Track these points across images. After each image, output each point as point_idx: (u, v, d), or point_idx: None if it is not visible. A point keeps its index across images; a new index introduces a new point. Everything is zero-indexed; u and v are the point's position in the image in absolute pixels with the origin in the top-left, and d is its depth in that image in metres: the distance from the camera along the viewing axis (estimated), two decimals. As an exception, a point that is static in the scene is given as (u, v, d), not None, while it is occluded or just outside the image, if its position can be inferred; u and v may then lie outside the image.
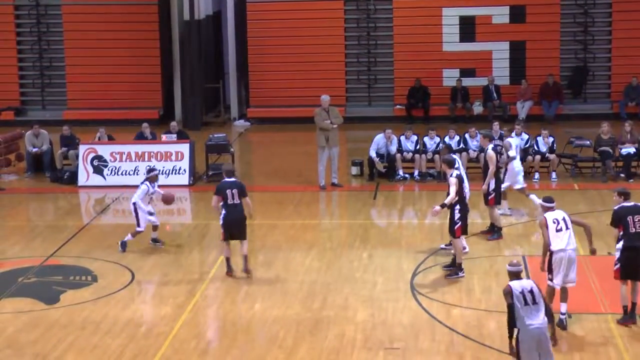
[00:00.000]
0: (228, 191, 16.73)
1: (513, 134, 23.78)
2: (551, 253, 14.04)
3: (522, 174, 20.51)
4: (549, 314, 11.82)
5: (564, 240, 14.04)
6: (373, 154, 23.74)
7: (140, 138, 24.86)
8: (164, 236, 20.19)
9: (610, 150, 23.48)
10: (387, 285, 16.56)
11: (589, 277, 16.39)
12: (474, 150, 23.73)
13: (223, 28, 33.07)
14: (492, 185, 18.65)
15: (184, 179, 23.97)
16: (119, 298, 16.20)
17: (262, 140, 30.24)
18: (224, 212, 16.75)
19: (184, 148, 24.19)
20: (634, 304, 14.20)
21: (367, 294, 16.10)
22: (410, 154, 23.95)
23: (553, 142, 23.68)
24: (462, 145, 23.84)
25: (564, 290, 14.17)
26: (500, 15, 31.19)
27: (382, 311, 15.30)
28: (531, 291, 11.57)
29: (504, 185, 19.61)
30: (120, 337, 14.48)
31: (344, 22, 31.81)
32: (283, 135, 30.25)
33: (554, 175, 23.54)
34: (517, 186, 20.26)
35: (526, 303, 11.53)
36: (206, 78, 31.95)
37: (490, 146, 18.83)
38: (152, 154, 24.11)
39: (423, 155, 23.87)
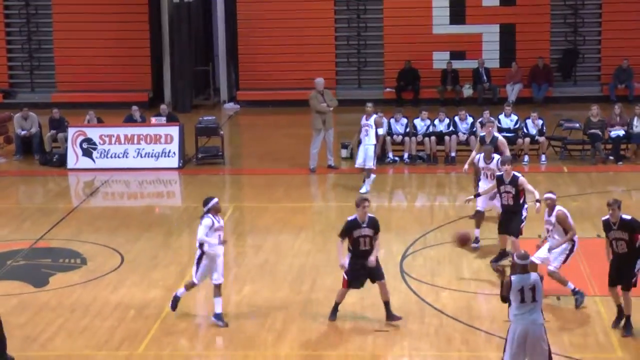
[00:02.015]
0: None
1: (503, 115, 23.88)
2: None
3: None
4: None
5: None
6: (363, 136, 23.72)
7: (130, 121, 24.80)
8: (154, 219, 20.20)
9: (600, 133, 23.51)
10: (376, 268, 16.56)
11: (578, 260, 16.43)
12: (464, 133, 23.74)
13: (213, 10, 32.94)
14: None
15: (174, 161, 23.93)
16: (108, 281, 16.19)
17: (252, 123, 30.21)
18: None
19: (174, 131, 24.14)
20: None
21: (356, 277, 16.10)
22: (400, 136, 23.95)
23: (542, 125, 23.70)
24: (451, 128, 23.83)
25: None
26: (491, -3, 31.18)
27: (371, 294, 15.28)
28: (533, 287, 11.19)
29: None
30: (110, 320, 14.48)
31: (333, 4, 31.72)
32: (273, 118, 30.21)
33: (543, 157, 23.58)
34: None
35: (523, 300, 11.18)
36: (196, 61, 31.87)
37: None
38: (141, 136, 24.07)
39: (413, 138, 23.86)
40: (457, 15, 31.22)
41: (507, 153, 18.07)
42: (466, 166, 18.83)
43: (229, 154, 25.09)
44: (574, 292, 14.53)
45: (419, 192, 22.08)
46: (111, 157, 24.05)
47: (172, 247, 17.97)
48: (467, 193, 20.90)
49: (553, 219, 14.48)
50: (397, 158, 23.84)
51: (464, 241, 16.76)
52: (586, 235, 17.64)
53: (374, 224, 13.99)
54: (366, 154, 20.61)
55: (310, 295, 15.35)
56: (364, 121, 20.86)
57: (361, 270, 13.92)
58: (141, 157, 23.96)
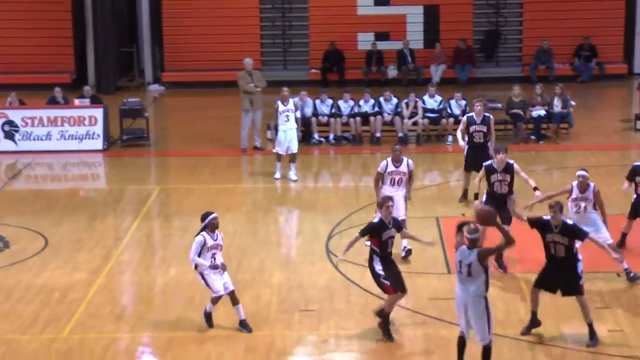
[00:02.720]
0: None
1: (427, 96, 24.10)
2: None
3: None
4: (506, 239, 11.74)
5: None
6: (289, 117, 23.74)
7: (53, 103, 24.49)
8: (78, 201, 20.02)
9: (522, 113, 23.86)
10: (302, 248, 16.68)
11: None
12: (389, 114, 23.90)
13: (136, -10, 32.65)
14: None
15: (98, 143, 23.71)
16: (32, 264, 16.03)
17: (177, 105, 30.03)
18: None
19: (98, 113, 23.91)
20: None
21: (283, 257, 16.21)
22: (326, 117, 24.03)
23: (466, 105, 23.95)
24: (376, 108, 23.98)
25: None
26: (414, -22, 31.37)
27: (297, 274, 15.42)
28: (469, 264, 11.47)
29: None
30: (34, 303, 14.36)
31: (258, -16, 31.67)
32: (198, 99, 30.06)
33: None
34: None
35: (460, 271, 11.58)
36: (120, 42, 31.54)
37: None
38: (64, 118, 23.79)
39: (338, 119, 23.96)
40: (382, -4, 31.40)
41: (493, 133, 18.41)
42: (461, 142, 18.76)
43: (155, 135, 24.94)
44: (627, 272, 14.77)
45: (344, 173, 22.19)
46: (34, 139, 23.74)
47: (97, 230, 17.83)
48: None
49: (590, 195, 14.69)
50: (322, 139, 23.93)
51: (485, 219, 12.18)
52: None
53: (397, 225, 13.28)
54: (291, 139, 20.52)
55: (237, 276, 15.33)
56: (282, 107, 20.38)
57: (398, 271, 13.25)
58: (65, 139, 23.71)
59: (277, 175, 20.63)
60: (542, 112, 23.86)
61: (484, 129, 18.54)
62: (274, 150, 20.63)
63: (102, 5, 30.43)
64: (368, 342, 13.02)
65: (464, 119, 19.04)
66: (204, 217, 13.58)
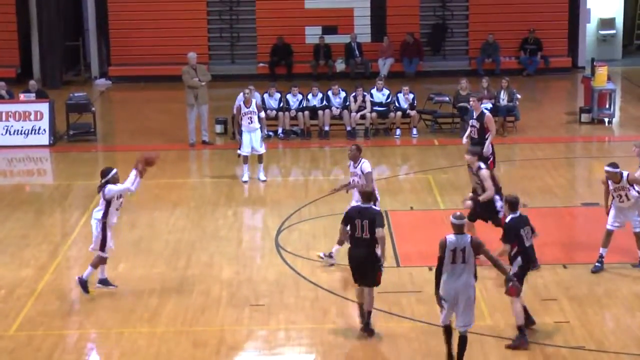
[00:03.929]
0: (357, 221, 12.95)
1: (375, 90, 24.18)
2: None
3: None
4: (495, 264, 11.70)
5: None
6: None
7: (-3, 98, 24.22)
8: (24, 197, 19.82)
9: (469, 106, 23.96)
10: (252, 243, 16.69)
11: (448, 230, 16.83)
12: (337, 108, 23.94)
13: (82, -16, 32.36)
14: (491, 149, 17.97)
15: (44, 139, 23.48)
16: (-22, 261, 15.86)
17: (124, 99, 29.83)
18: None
19: (44, 107, 23.68)
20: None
21: (232, 252, 16.18)
22: (274, 111, 24.01)
23: (413, 99, 24.08)
24: (324, 102, 24.00)
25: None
26: (361, -29, 31.45)
27: (247, 268, 15.41)
28: (464, 249, 11.53)
29: None
30: (-20, 301, 14.21)
31: (205, -22, 31.54)
32: (145, 93, 29.89)
33: (414, 131, 23.97)
34: None
35: (454, 261, 11.54)
36: (65, 35, 31.23)
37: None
38: (9, 113, 23.52)
39: (286, 113, 23.95)
40: (329, -10, 31.43)
41: (493, 130, 17.94)
42: (464, 139, 18.42)
43: (102, 130, 24.77)
44: None
45: (293, 167, 22.21)
46: (-22, 134, 23.47)
47: (44, 226, 17.67)
48: (340, 167, 21.22)
49: (625, 183, 14.64)
50: (271, 133, 23.87)
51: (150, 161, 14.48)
52: (457, 207, 18.09)
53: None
54: (255, 140, 19.96)
55: (186, 271, 15.34)
56: (245, 109, 19.82)
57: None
58: (10, 134, 23.44)
59: (245, 178, 20.18)
60: (489, 106, 23.97)
61: (477, 124, 18.10)
62: (238, 152, 20.15)
63: (46, -1, 30.14)
64: (318, 336, 13.06)
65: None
66: (106, 173, 14.38)
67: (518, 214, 12.87)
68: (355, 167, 15.38)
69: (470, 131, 18.19)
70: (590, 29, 32.36)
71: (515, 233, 12.69)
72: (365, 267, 12.83)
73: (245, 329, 13.31)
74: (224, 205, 18.78)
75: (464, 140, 18.33)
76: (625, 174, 14.74)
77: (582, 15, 31.60)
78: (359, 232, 12.79)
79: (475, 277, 11.78)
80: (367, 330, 12.95)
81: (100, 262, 14.41)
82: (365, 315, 12.97)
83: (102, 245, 14.28)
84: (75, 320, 13.67)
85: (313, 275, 14.98)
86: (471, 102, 18.47)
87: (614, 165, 14.88)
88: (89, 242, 16.76)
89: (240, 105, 20.25)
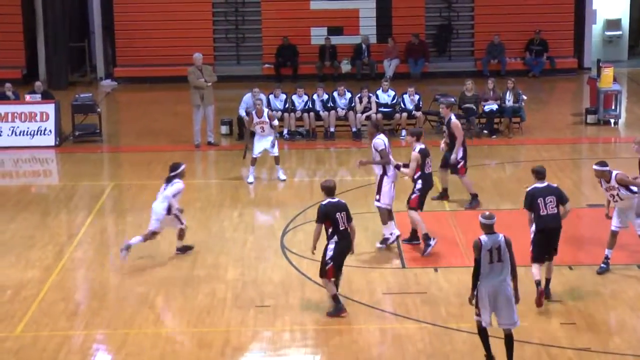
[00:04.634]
0: (338, 214, 13.66)
1: (380, 91, 24.18)
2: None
3: None
4: (513, 271, 11.82)
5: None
6: (242, 112, 23.69)
7: (3, 99, 24.23)
8: (30, 198, 19.85)
9: (474, 107, 24.01)
10: (257, 244, 16.67)
11: (454, 231, 16.85)
12: (342, 109, 23.94)
13: (88, -16, 32.41)
14: (461, 154, 18.07)
15: (50, 139, 23.52)
16: (-17, 262, 15.87)
17: (130, 100, 29.87)
18: (335, 239, 13.64)
19: (49, 108, 23.71)
20: (547, 280, 14.01)
21: (237, 253, 16.19)
22: (279, 112, 24.02)
23: (419, 100, 24.06)
24: (330, 103, 24.00)
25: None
26: (367, -28, 31.45)
27: (252, 269, 15.42)
28: (498, 248, 11.65)
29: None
30: (-14, 302, 14.22)
31: (211, -21, 31.57)
32: (151, 94, 29.92)
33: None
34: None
35: (491, 261, 11.64)
36: (71, 36, 31.28)
37: (453, 115, 18.29)
38: (15, 114, 23.56)
39: (292, 114, 23.96)
40: (335, -9, 31.44)
41: (460, 136, 18.01)
42: (442, 145, 18.52)
43: (107, 131, 24.79)
44: None
45: (298, 168, 22.18)
46: (-16, 135, 23.50)
47: (50, 227, 17.69)
48: (346, 168, 21.25)
49: (614, 182, 14.51)
50: (276, 134, 23.86)
51: None
52: (463, 208, 18.13)
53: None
54: (268, 144, 20.02)
55: (192, 272, 15.34)
56: (256, 119, 19.89)
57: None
58: (16, 135, 23.48)
59: (250, 180, 20.23)
60: (495, 107, 24.04)
61: (447, 131, 18.27)
62: (244, 154, 20.30)
63: (52, 0, 30.14)
64: (323, 337, 13.05)
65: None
66: (175, 167, 16.14)
67: (544, 185, 13.80)
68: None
69: (444, 137, 18.45)
70: (596, 30, 32.33)
71: (531, 201, 13.68)
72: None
73: (250, 330, 13.31)
74: (229, 206, 18.79)
75: (442, 146, 18.48)
76: (614, 173, 14.60)
77: (588, 16, 31.59)
78: (342, 225, 13.48)
79: (513, 275, 11.82)
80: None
81: (150, 236, 15.69)
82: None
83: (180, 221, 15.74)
84: (80, 321, 13.68)
85: (318, 277, 14.95)
86: (440, 109, 18.78)
87: (602, 163, 14.75)
88: (94, 243, 16.87)
89: (253, 114, 20.20)
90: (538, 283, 13.71)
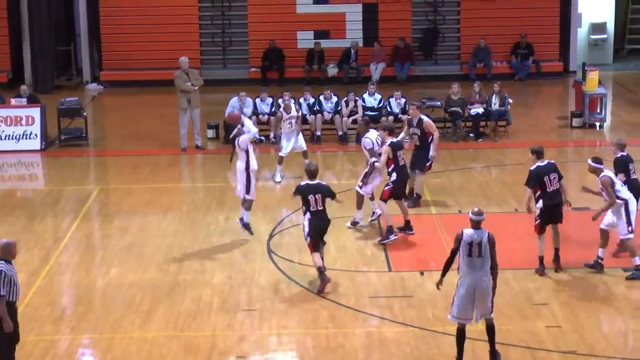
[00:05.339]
0: (311, 196, 14.74)
1: (367, 94, 24.20)
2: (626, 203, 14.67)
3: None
4: (494, 269, 12.02)
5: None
6: (229, 116, 23.72)
7: (-11, 102, 24.19)
8: (16, 202, 19.79)
9: (460, 111, 24.07)
10: (243, 248, 16.66)
11: (440, 235, 16.87)
12: (329, 112, 23.96)
13: (73, -12, 32.34)
14: (432, 153, 18.26)
15: (36, 143, 23.47)
16: (-31, 267, 15.78)
17: (116, 104, 29.80)
18: (308, 217, 14.70)
19: (35, 112, 23.66)
20: (556, 250, 14.97)
21: (224, 257, 16.17)
22: (266, 116, 24.01)
23: (405, 103, 24.08)
24: (317, 107, 24.01)
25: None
26: (353, -23, 31.48)
27: (239, 273, 15.41)
28: (480, 243, 11.87)
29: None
30: (-28, 307, 14.14)
31: (197, -17, 31.55)
32: (137, 98, 29.88)
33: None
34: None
35: (470, 254, 11.89)
36: (57, 40, 31.21)
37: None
38: (1, 118, 23.49)
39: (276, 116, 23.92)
40: (321, -6, 31.46)
41: (435, 133, 18.35)
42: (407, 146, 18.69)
43: (93, 135, 24.75)
44: (637, 269, 14.81)
45: (284, 171, 22.14)
46: (-30, 139, 23.43)
47: (36, 231, 17.64)
48: (332, 172, 21.29)
49: (599, 183, 14.77)
50: (262, 138, 23.88)
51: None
52: (449, 211, 18.15)
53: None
54: (297, 140, 20.52)
55: (178, 276, 15.32)
56: (286, 115, 20.41)
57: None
58: (1, 139, 23.42)
59: (278, 179, 20.58)
60: (481, 110, 24.09)
61: (418, 131, 18.47)
62: (280, 154, 20.63)
63: (38, 3, 30.09)
64: (310, 341, 13.06)
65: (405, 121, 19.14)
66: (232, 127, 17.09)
67: (545, 163, 14.79)
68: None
69: (413, 139, 18.51)
70: (581, 33, 32.45)
71: (537, 179, 14.65)
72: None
73: (237, 334, 13.30)
74: (215, 210, 18.78)
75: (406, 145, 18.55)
76: (602, 174, 14.77)
77: (574, 20, 31.70)
78: (314, 206, 14.56)
79: (494, 272, 12.00)
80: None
81: (250, 204, 16.40)
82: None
83: (248, 189, 16.41)
84: (66, 325, 13.64)
85: (305, 280, 14.98)
86: (410, 110, 18.93)
87: (596, 160, 15.04)
88: (80, 247, 16.85)
89: (281, 112, 20.65)
90: (542, 260, 14.82)
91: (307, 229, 14.61)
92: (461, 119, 24.06)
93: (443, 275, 12.17)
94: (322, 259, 14.67)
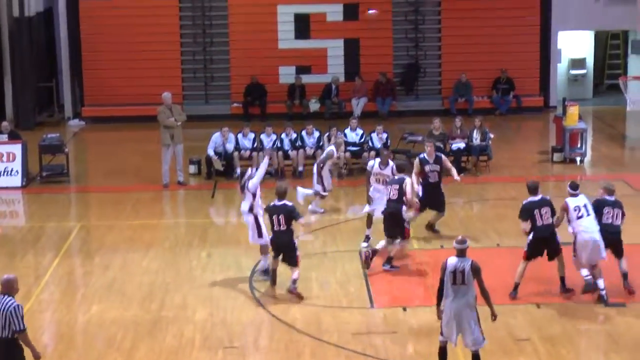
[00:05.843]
0: (275, 217, 15.60)
1: (348, 129, 24.27)
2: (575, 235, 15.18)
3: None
4: (484, 293, 12.35)
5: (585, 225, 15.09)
6: (211, 152, 23.73)
7: (-30, 139, 24.10)
8: (-3, 240, 19.72)
9: (442, 146, 24.12)
10: (226, 284, 16.62)
11: (426, 270, 16.88)
12: (310, 147, 24.01)
13: (55, 25, 32.34)
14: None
15: (17, 180, 23.37)
16: (-51, 305, 15.67)
17: (98, 140, 29.77)
18: (271, 236, 15.84)
19: (16, 149, 23.59)
20: (562, 278, 15.47)
21: (206, 293, 16.13)
22: (248, 151, 24.04)
23: (387, 138, 24.16)
24: (298, 142, 24.06)
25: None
26: (334, 12, 31.54)
27: (221, 310, 15.36)
28: (463, 271, 12.18)
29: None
30: (-48, 345, 14.03)
31: (179, 19, 31.59)
32: (119, 134, 29.84)
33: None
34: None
35: (454, 282, 12.21)
36: (38, 76, 31.20)
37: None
38: (-18, 155, 23.44)
39: (260, 153, 23.95)
40: (302, 30, 31.54)
41: (454, 169, 19.05)
42: (416, 185, 18.76)
43: (75, 171, 24.67)
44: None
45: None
46: (-49, 176, 23.32)
47: (16, 268, 17.49)
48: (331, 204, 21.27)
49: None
50: (238, 171, 23.84)
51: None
52: (431, 247, 18.17)
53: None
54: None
55: (160, 313, 15.27)
56: (336, 154, 21.28)
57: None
58: (-18, 176, 23.35)
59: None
60: (462, 145, 24.18)
61: (437, 168, 18.70)
62: (322, 193, 20.79)
63: (19, 39, 30.10)
64: (292, 378, 13.02)
65: (417, 161, 19.06)
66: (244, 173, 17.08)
67: (538, 198, 15.24)
68: (384, 169, 18.06)
69: (430, 176, 18.69)
70: (561, 68, 32.67)
71: (527, 213, 15.15)
72: (289, 251, 15.55)
73: (219, 371, 13.25)
74: (197, 246, 18.74)
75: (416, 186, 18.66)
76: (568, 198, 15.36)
77: (553, 55, 31.91)
78: (277, 226, 15.41)
79: (485, 296, 12.36)
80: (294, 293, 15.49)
81: (266, 249, 16.20)
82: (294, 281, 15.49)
83: (260, 234, 16.26)
84: (47, 363, 13.56)
85: (287, 317, 14.95)
86: (427, 149, 19.01)
87: (572, 186, 15.52)
88: (62, 284, 16.76)
89: (332, 150, 20.94)
90: (516, 286, 15.29)
91: (271, 245, 15.71)
92: (442, 154, 24.08)
93: (438, 304, 12.50)
94: (276, 269, 15.74)
